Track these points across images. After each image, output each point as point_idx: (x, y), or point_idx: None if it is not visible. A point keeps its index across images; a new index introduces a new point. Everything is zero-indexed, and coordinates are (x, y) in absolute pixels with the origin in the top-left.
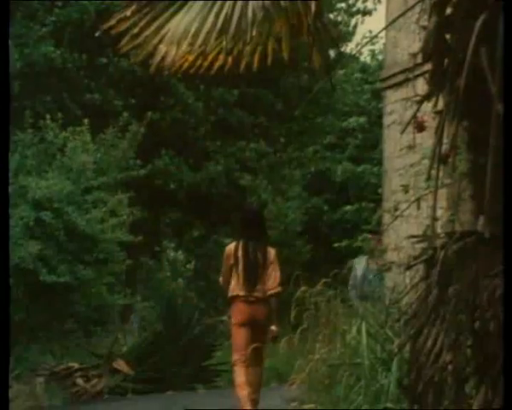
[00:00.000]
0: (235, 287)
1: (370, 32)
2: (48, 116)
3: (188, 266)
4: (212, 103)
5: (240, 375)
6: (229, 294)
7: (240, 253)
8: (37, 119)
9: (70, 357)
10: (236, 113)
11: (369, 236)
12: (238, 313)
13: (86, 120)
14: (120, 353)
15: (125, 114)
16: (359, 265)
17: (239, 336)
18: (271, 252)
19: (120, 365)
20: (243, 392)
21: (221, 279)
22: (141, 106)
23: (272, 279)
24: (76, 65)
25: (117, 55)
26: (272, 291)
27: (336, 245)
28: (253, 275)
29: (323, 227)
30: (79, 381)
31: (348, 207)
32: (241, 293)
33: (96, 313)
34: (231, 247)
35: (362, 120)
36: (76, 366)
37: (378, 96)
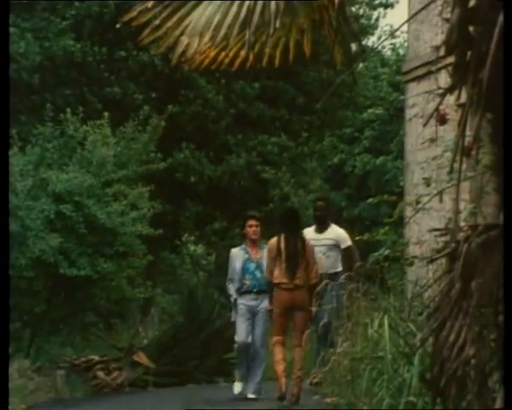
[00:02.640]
0: (279, 276)
1: (391, 26)
2: (68, 110)
3: (208, 259)
4: (232, 97)
5: (278, 353)
6: (273, 281)
7: (282, 245)
8: (57, 112)
9: (91, 350)
10: (257, 106)
11: (251, 222)
12: (279, 299)
13: (106, 114)
14: (141, 346)
15: (146, 108)
16: (238, 256)
17: (279, 320)
18: (310, 244)
19: (141, 358)
20: (280, 367)
21: (265, 270)
22: (161, 99)
23: (313, 270)
24: (96, 58)
25: (137, 49)
26: (313, 281)
27: (357, 238)
28: (294, 264)
29: (346, 221)
30: (100, 374)
31: (369, 200)
32: (284, 280)
33: (117, 306)
34: (274, 241)
35: (378, 111)
36: (97, 358)
37: (397, 88)
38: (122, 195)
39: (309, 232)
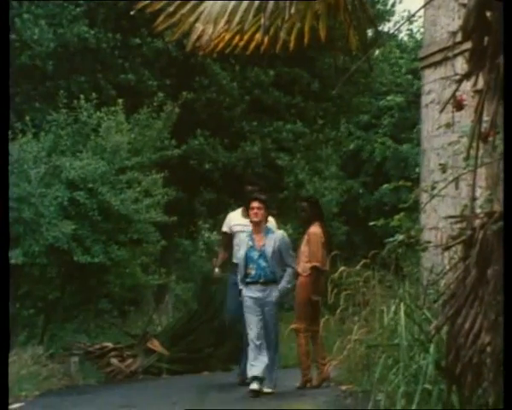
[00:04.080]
0: (325, 264)
1: (408, 11)
2: (82, 96)
3: None
4: (247, 83)
5: (305, 344)
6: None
7: (323, 234)
8: (71, 99)
9: (104, 337)
10: (272, 93)
11: (253, 204)
12: (317, 285)
13: (120, 101)
14: (155, 333)
15: (160, 95)
16: (242, 243)
17: (312, 307)
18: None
19: (155, 345)
20: (308, 360)
21: (317, 259)
22: (175, 86)
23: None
24: (110, 45)
25: (151, 36)
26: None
27: (372, 224)
28: (329, 252)
29: (360, 208)
30: (114, 361)
31: (385, 187)
32: (326, 268)
33: (131, 293)
34: (319, 229)
35: (398, 99)
36: (110, 345)
37: (417, 75)
38: (136, 182)
39: (235, 217)
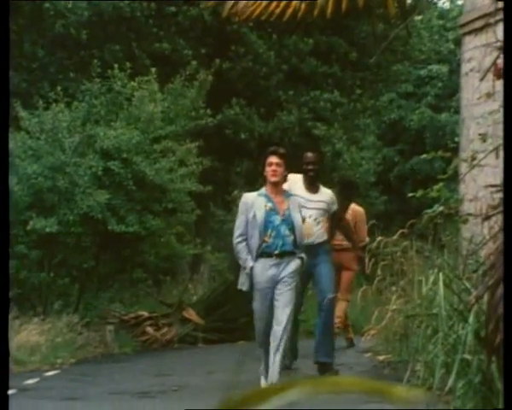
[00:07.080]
0: (338, 237)
1: None
2: (116, 66)
3: None
4: (284, 52)
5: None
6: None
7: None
8: (105, 68)
9: (140, 306)
10: (310, 62)
11: (271, 159)
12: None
13: (154, 70)
14: (190, 302)
15: (193, 63)
16: (257, 205)
17: None
18: (360, 210)
19: (191, 314)
20: (340, 324)
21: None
22: (211, 55)
23: (362, 233)
24: (145, 14)
25: (186, 3)
26: (362, 243)
27: (410, 195)
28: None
29: (397, 177)
30: (149, 329)
31: (423, 157)
32: (341, 242)
33: (166, 262)
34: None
35: (444, 68)
36: (146, 314)
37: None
38: (170, 151)
39: (299, 189)
